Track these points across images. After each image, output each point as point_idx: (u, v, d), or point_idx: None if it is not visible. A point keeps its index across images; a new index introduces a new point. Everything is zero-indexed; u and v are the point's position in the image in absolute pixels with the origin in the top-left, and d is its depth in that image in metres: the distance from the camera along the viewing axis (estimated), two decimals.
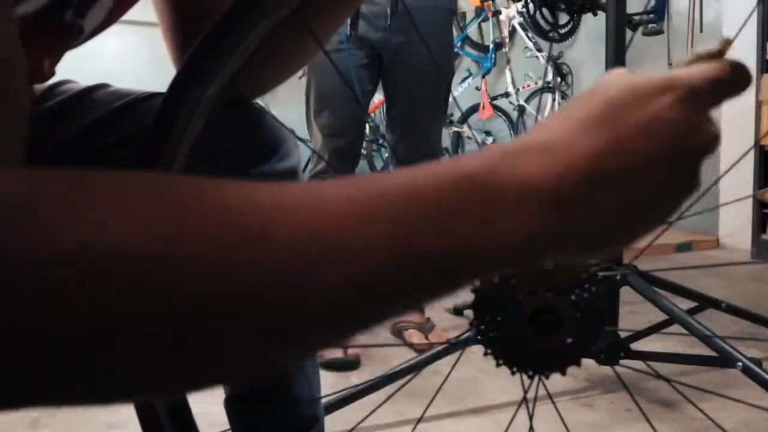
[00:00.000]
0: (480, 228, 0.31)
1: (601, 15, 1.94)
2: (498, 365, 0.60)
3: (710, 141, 0.37)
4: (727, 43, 0.40)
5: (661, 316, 1.56)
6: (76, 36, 0.61)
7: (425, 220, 0.31)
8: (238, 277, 0.28)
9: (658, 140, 0.35)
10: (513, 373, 0.61)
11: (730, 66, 0.39)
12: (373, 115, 4.91)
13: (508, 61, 5.06)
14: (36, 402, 0.27)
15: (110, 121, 0.70)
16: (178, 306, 0.27)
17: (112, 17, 0.63)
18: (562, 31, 3.92)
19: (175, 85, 0.59)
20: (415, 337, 2.03)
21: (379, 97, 3.11)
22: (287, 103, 3.54)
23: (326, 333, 0.31)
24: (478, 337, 0.60)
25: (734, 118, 3.56)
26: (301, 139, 0.76)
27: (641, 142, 0.34)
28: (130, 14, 0.70)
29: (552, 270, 0.53)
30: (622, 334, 1.54)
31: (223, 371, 0.31)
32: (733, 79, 0.39)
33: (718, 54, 0.40)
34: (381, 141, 5.27)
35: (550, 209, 0.33)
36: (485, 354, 0.60)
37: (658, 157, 0.35)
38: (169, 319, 0.27)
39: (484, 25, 5.23)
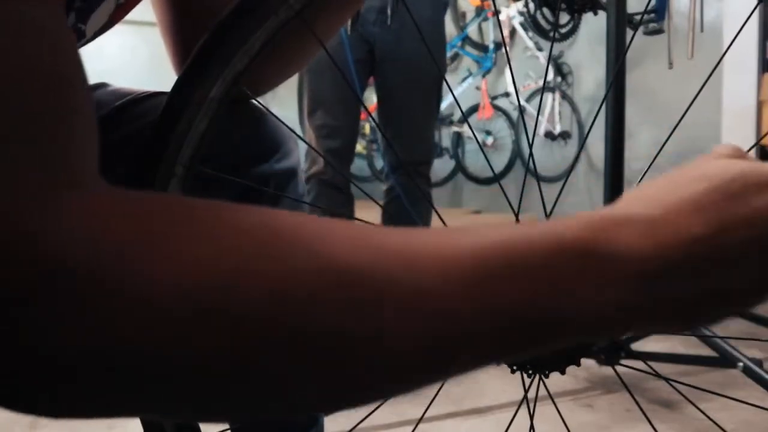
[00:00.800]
0: (571, 296, 0.32)
1: (602, 15, 1.94)
2: (498, 364, 0.60)
3: None
4: None
5: None
6: (77, 40, 0.61)
7: (517, 280, 0.31)
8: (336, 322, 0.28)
9: (761, 236, 0.35)
10: (513, 372, 0.61)
11: None
12: (374, 114, 4.91)
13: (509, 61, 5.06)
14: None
15: (110, 121, 0.70)
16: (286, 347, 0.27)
17: (113, 20, 0.63)
18: (563, 31, 3.92)
19: (178, 85, 0.59)
20: None
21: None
22: (287, 103, 3.54)
23: (401, 381, 0.31)
24: None
25: (735, 118, 3.56)
26: (302, 139, 0.76)
27: (744, 234, 0.35)
28: (130, 14, 0.70)
29: None
30: None
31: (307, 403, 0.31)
32: None
33: None
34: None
35: (643, 286, 0.33)
36: None
37: (757, 252, 0.35)
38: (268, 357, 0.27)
39: (484, 25, 5.22)
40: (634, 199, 0.36)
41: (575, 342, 0.34)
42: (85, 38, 0.61)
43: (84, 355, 0.25)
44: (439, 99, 2.22)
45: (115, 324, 0.25)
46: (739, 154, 0.40)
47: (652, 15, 2.71)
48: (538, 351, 0.33)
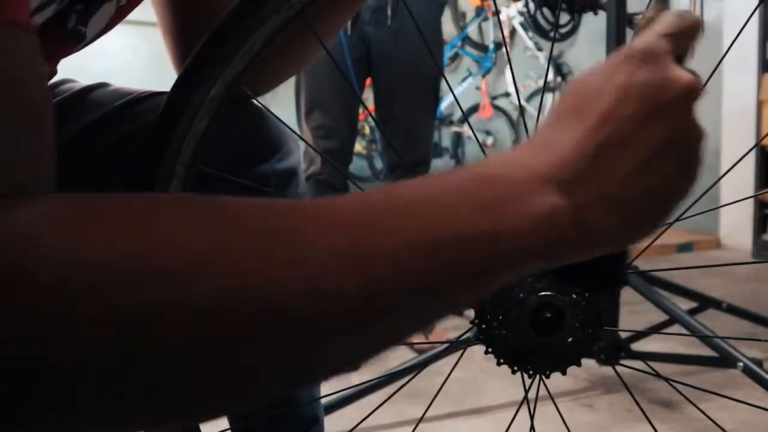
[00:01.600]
0: (504, 213, 0.34)
1: (602, 15, 1.94)
2: (499, 364, 0.60)
3: (686, 85, 0.38)
4: (658, 6, 0.42)
5: (662, 316, 1.56)
6: (78, 42, 0.61)
7: (449, 207, 0.33)
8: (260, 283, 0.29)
9: (637, 101, 0.37)
10: (513, 372, 0.61)
11: (672, 16, 0.41)
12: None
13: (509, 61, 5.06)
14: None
15: (110, 121, 0.70)
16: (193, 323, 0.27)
17: (114, 22, 0.63)
18: (563, 31, 3.91)
19: (178, 84, 0.59)
20: (415, 336, 2.02)
21: None
22: (286, 103, 3.54)
23: (364, 329, 0.32)
24: (480, 337, 0.60)
25: (735, 118, 3.56)
26: (302, 139, 0.76)
27: (622, 109, 0.37)
28: (131, 14, 0.70)
29: None
30: (623, 334, 1.53)
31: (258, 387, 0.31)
32: (680, 26, 0.41)
33: (656, 16, 0.43)
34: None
35: (561, 191, 0.35)
36: (487, 352, 0.60)
37: (645, 116, 0.37)
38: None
39: (484, 25, 5.22)
40: (533, 137, 0.39)
41: (531, 263, 0.35)
42: (85, 40, 0.61)
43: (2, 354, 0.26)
44: (436, 99, 2.22)
45: (28, 324, 0.26)
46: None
47: None
48: (496, 275, 0.34)
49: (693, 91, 0.38)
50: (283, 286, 0.29)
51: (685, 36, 0.41)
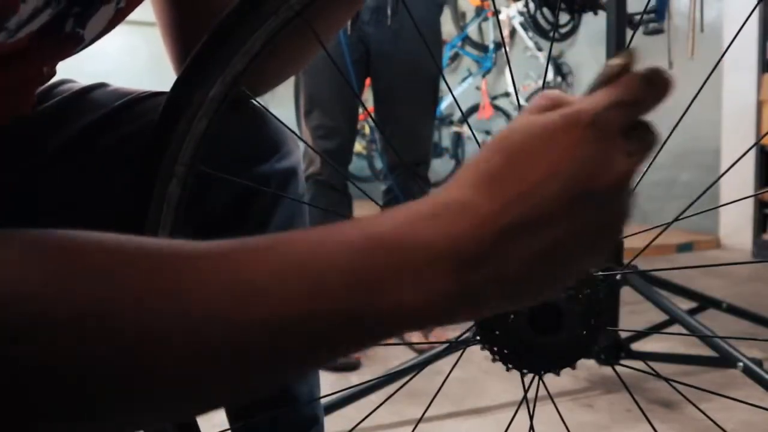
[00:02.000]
0: (384, 289, 0.31)
1: (602, 15, 1.94)
2: (494, 360, 0.60)
3: (624, 174, 0.35)
4: (631, 54, 0.37)
5: (662, 316, 1.56)
6: (76, 45, 0.61)
7: (331, 279, 0.31)
8: (146, 326, 0.28)
9: (566, 182, 0.33)
10: (508, 369, 0.61)
11: (639, 80, 0.36)
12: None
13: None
14: None
15: (110, 121, 0.70)
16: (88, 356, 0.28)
17: (113, 24, 0.63)
18: (563, 31, 3.91)
19: (178, 84, 0.59)
20: (414, 336, 2.02)
21: None
22: (286, 103, 3.53)
23: (234, 379, 0.31)
24: (478, 337, 0.60)
25: (735, 118, 3.56)
26: (301, 139, 0.76)
27: (548, 188, 0.33)
28: (130, 14, 0.70)
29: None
30: (623, 334, 1.53)
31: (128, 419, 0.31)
32: (645, 93, 0.36)
33: (624, 69, 0.37)
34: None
35: (455, 271, 0.32)
36: (483, 348, 0.60)
37: (569, 200, 0.33)
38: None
39: (483, 25, 5.22)
40: (447, 185, 0.36)
41: (403, 332, 0.33)
42: (84, 42, 0.61)
43: None
44: (436, 99, 2.22)
45: None
46: (550, 103, 0.37)
47: (652, 15, 2.72)
48: (363, 345, 0.33)
49: (628, 180, 0.35)
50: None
51: (649, 105, 0.36)
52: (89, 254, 0.30)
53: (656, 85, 0.36)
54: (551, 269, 0.35)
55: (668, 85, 0.36)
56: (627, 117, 0.35)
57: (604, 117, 0.35)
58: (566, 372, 0.61)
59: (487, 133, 5.40)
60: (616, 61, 0.37)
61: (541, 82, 4.84)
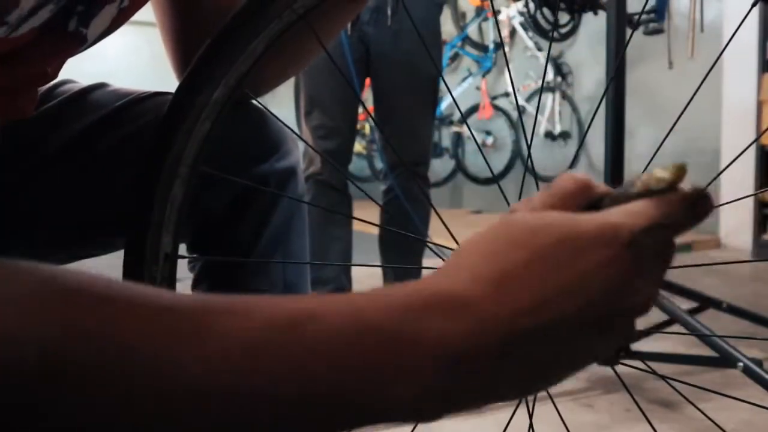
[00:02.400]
0: (374, 383, 0.30)
1: (602, 15, 1.94)
2: None
3: (644, 302, 0.34)
4: (681, 170, 0.35)
5: (662, 316, 1.56)
6: (79, 44, 0.61)
7: (324, 367, 0.29)
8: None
9: (595, 300, 0.32)
10: None
11: (683, 203, 0.34)
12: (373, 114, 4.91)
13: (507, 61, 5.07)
14: None
15: (111, 121, 0.70)
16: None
17: (115, 24, 0.63)
18: (563, 31, 3.92)
19: (182, 87, 0.60)
20: None
21: None
22: (286, 103, 3.54)
23: None
24: None
25: (735, 118, 3.57)
26: (302, 139, 0.76)
27: (572, 302, 0.32)
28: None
29: None
30: None
31: None
32: (687, 218, 0.35)
33: (671, 185, 0.35)
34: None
35: (453, 372, 0.30)
36: None
37: (585, 317, 0.32)
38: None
39: (483, 25, 5.23)
40: (460, 265, 0.33)
41: (381, 422, 0.31)
42: (87, 42, 0.61)
43: None
44: (435, 99, 2.22)
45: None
46: (566, 199, 0.36)
47: (652, 15, 2.72)
48: (346, 429, 0.31)
49: (646, 309, 0.34)
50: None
51: (687, 229, 0.35)
52: (111, 301, 0.29)
53: (699, 209, 0.35)
54: (545, 376, 0.33)
55: (710, 210, 0.35)
56: (664, 240, 0.35)
57: (642, 239, 0.33)
58: None
59: (488, 133, 5.40)
60: (664, 176, 0.35)
61: (540, 82, 4.84)
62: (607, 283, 0.32)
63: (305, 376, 0.29)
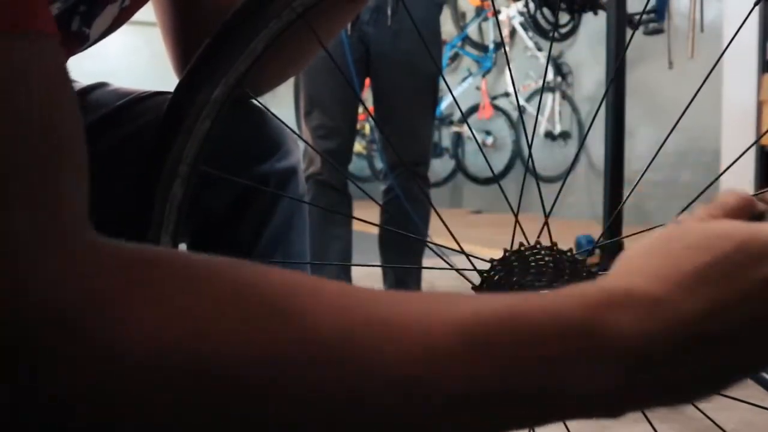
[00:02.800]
0: (565, 376, 0.31)
1: (602, 15, 1.94)
2: None
3: None
4: None
5: None
6: (82, 43, 0.61)
7: (517, 358, 0.31)
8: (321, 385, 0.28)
9: (765, 307, 0.33)
10: None
11: None
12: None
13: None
14: None
15: (111, 121, 0.70)
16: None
17: (117, 23, 0.63)
18: (563, 31, 3.92)
19: (182, 86, 0.60)
20: None
21: None
22: (286, 103, 3.54)
23: None
24: None
25: (735, 118, 3.56)
26: (302, 139, 0.77)
27: (749, 307, 0.33)
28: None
29: None
30: None
31: None
32: None
33: None
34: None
35: (644, 367, 0.32)
36: None
37: (761, 325, 0.33)
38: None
39: (484, 25, 5.23)
40: (634, 268, 0.35)
41: (569, 418, 0.33)
42: (89, 41, 0.61)
43: (60, 403, 0.26)
44: (435, 99, 2.22)
45: (82, 378, 0.26)
46: (731, 213, 0.38)
47: (652, 15, 2.72)
48: (535, 425, 0.33)
49: None
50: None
51: None
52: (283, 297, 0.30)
53: None
54: (716, 381, 0.35)
55: None
56: None
57: None
58: None
59: (488, 133, 5.41)
60: None
61: (541, 82, 4.85)
62: None
63: (522, 370, 0.30)
